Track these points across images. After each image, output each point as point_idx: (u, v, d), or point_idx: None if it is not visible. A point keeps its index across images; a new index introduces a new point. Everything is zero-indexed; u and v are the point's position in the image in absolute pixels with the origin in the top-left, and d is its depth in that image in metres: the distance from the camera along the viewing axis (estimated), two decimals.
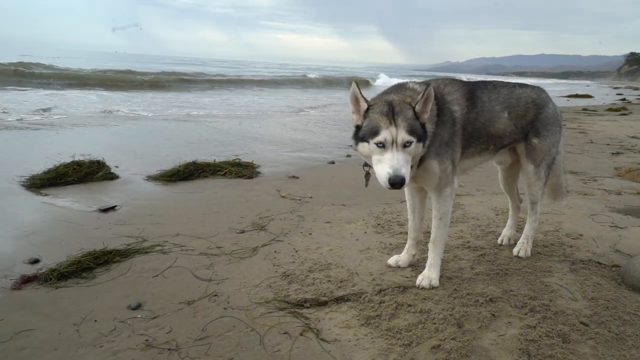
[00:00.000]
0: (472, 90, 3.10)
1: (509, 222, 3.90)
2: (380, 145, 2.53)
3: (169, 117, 11.87)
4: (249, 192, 5.39)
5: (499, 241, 3.86)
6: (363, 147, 2.64)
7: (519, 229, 3.96)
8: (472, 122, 3.03)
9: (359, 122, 2.67)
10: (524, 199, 3.76)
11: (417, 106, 2.62)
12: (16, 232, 3.86)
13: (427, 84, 3.01)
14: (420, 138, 2.61)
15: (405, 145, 2.52)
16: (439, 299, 2.86)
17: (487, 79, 3.45)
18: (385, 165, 2.49)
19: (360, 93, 2.68)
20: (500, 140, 3.22)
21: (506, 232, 3.88)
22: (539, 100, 3.33)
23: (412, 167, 2.71)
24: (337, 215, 4.66)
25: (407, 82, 3.02)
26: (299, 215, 4.61)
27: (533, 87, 3.44)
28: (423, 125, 2.64)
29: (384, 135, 2.52)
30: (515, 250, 3.60)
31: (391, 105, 2.60)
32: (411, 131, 2.54)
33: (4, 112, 10.54)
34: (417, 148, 2.60)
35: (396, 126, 2.52)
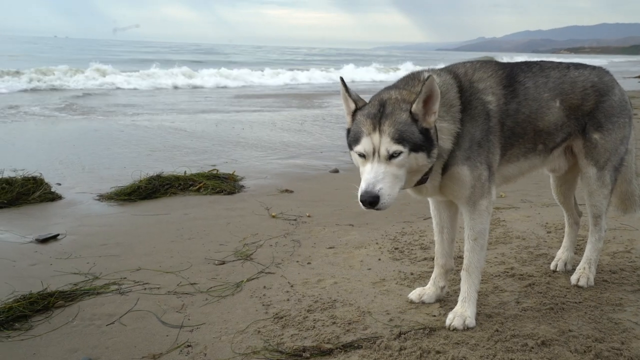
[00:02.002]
0: (511, 75, 3.12)
1: (565, 241, 3.89)
2: (362, 155, 2.59)
3: (122, 118, 11.95)
4: (229, 212, 5.40)
5: (552, 267, 3.85)
6: (352, 155, 2.71)
7: (579, 250, 3.95)
8: (512, 114, 3.05)
9: (349, 126, 2.75)
10: (584, 212, 3.76)
11: (414, 106, 2.63)
12: None
13: (449, 70, 3.04)
14: (418, 147, 2.60)
15: (392, 156, 2.55)
16: (475, 344, 2.84)
17: (531, 59, 3.47)
18: (362, 180, 2.56)
19: (347, 91, 2.74)
20: (552, 137, 3.23)
21: (562, 255, 3.87)
22: (600, 85, 3.34)
23: (426, 178, 2.76)
24: (343, 238, 4.67)
25: (422, 72, 3.02)
26: (294, 240, 4.62)
27: (593, 67, 3.45)
28: (425, 131, 2.63)
29: (364, 144, 2.57)
30: (574, 279, 3.59)
31: (383, 106, 2.64)
32: (399, 139, 2.55)
33: None
34: (412, 160, 2.60)
35: (380, 132, 2.56)
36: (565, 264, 3.82)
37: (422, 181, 2.80)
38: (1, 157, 7.42)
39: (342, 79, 2.79)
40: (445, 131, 2.79)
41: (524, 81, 3.13)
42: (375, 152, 2.56)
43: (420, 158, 2.62)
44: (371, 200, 2.48)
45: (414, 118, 2.62)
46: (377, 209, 2.53)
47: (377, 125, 2.58)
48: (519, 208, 5.49)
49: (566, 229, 3.90)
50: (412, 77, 2.97)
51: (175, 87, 22.84)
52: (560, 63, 3.40)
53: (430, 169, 2.78)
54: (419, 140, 2.60)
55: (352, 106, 2.75)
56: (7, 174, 5.80)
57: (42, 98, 16.02)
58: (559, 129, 3.23)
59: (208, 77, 25.79)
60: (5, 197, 5.43)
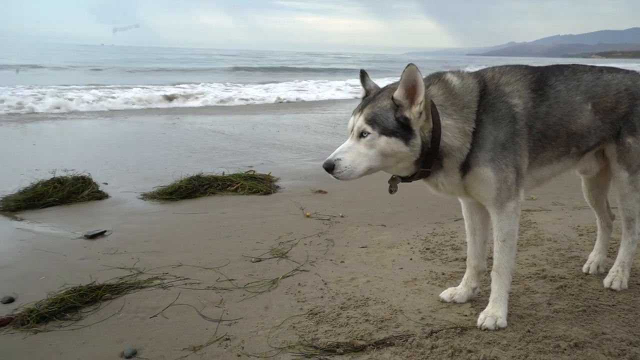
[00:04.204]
0: (542, 79, 3.07)
1: (598, 244, 3.81)
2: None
3: (166, 120, 12.18)
4: (265, 212, 5.45)
5: (584, 269, 3.78)
6: None
7: (612, 253, 3.86)
8: (542, 117, 3.00)
9: None
10: (617, 215, 3.67)
11: (395, 93, 2.72)
12: None
13: (476, 74, 3.02)
14: (390, 132, 2.69)
15: (362, 135, 2.72)
16: (507, 344, 2.81)
17: (562, 63, 3.40)
18: None
19: (362, 80, 2.97)
20: (584, 140, 3.17)
21: (594, 258, 3.79)
22: (635, 88, 3.26)
23: (426, 172, 2.84)
24: (375, 238, 4.66)
25: (445, 73, 3.03)
26: (327, 239, 4.63)
27: (627, 71, 3.37)
28: (404, 119, 2.69)
29: (349, 122, 2.82)
30: (607, 281, 3.51)
31: (377, 93, 2.85)
32: (371, 120, 2.70)
33: None
34: (384, 143, 2.70)
35: (360, 113, 2.77)
36: (598, 267, 3.74)
37: (423, 174, 2.86)
38: (54, 159, 7.63)
39: (361, 70, 2.99)
40: (451, 129, 2.79)
41: (555, 84, 3.08)
42: (352, 130, 2.77)
43: (394, 144, 2.70)
44: (326, 166, 2.72)
45: (395, 105, 2.71)
46: (337, 178, 2.73)
47: (362, 107, 2.79)
48: (550, 210, 5.38)
49: (598, 232, 3.81)
50: (431, 75, 3.02)
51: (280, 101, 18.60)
52: (593, 66, 3.33)
53: (428, 162, 2.80)
54: (392, 126, 2.70)
55: (363, 94, 2.96)
56: (58, 174, 5.97)
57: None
58: (592, 132, 3.16)
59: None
60: (57, 195, 5.59)
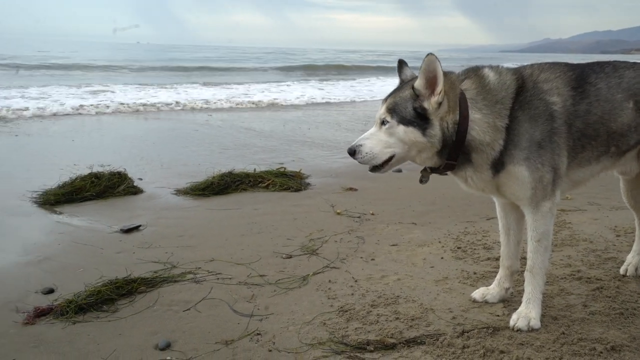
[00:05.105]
0: (582, 76, 2.99)
1: (636, 246, 3.70)
2: None
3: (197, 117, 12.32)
4: (296, 208, 5.46)
5: (621, 271, 3.68)
6: None
7: None
8: (582, 116, 2.92)
9: None
10: None
11: (415, 82, 2.75)
12: (28, 257, 4.13)
13: (515, 71, 2.97)
14: (407, 121, 2.74)
15: (383, 123, 2.80)
16: (541, 345, 2.75)
17: (602, 60, 3.30)
18: None
19: (399, 71, 3.05)
20: (625, 139, 3.07)
21: (632, 260, 3.68)
22: None
23: (452, 165, 2.84)
24: (406, 236, 4.62)
25: (483, 67, 2.99)
26: (358, 237, 4.61)
27: None
28: (422, 109, 2.72)
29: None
30: None
31: (404, 83, 2.93)
32: (391, 110, 2.78)
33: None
34: (402, 132, 2.75)
35: (385, 102, 2.86)
36: (636, 269, 3.63)
37: (448, 166, 2.85)
38: (91, 154, 7.80)
39: (400, 60, 3.08)
40: (479, 123, 2.76)
41: (595, 82, 2.99)
42: (377, 118, 2.85)
43: (411, 133, 2.74)
44: (349, 151, 2.84)
45: (415, 95, 2.74)
46: (360, 162, 2.83)
47: (387, 97, 2.87)
48: (586, 210, 5.24)
49: (637, 233, 3.70)
50: (469, 69, 3.01)
51: None
52: (635, 63, 3.22)
53: (452, 155, 2.79)
54: (410, 115, 2.74)
55: (399, 83, 3.02)
56: (95, 169, 6.10)
57: None
58: (633, 130, 3.06)
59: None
60: (94, 189, 5.72)
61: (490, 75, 2.90)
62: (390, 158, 2.81)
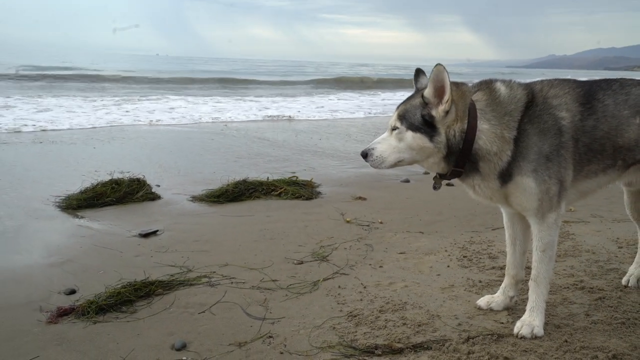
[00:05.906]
0: (590, 92, 3.01)
1: (638, 257, 3.69)
2: None
3: (214, 127, 12.42)
4: (307, 216, 5.50)
5: (623, 282, 3.67)
6: None
7: None
8: (589, 131, 2.94)
9: None
10: None
11: (425, 91, 2.82)
12: (51, 259, 4.21)
13: (527, 86, 2.99)
14: (415, 128, 2.81)
15: (394, 129, 2.88)
16: (544, 352, 2.76)
17: (609, 77, 3.32)
18: None
19: (416, 79, 3.10)
20: (631, 153, 3.07)
21: (634, 271, 3.67)
22: None
23: (459, 172, 2.90)
24: (413, 244, 4.64)
25: (495, 81, 3.03)
26: (367, 244, 4.64)
27: None
28: (429, 117, 2.79)
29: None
30: None
31: (416, 91, 2.99)
32: (401, 117, 2.87)
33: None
34: (410, 137, 2.82)
35: (397, 109, 2.94)
36: (638, 280, 3.62)
37: (455, 173, 2.91)
38: (112, 161, 7.90)
39: (417, 69, 3.14)
40: (487, 132, 2.81)
41: (602, 98, 3.01)
42: (389, 124, 2.94)
43: (419, 139, 2.81)
44: (362, 154, 2.95)
45: (424, 103, 2.81)
46: (370, 165, 2.93)
47: (400, 104, 2.96)
48: (589, 222, 5.23)
49: (639, 245, 3.69)
50: (482, 81, 3.07)
51: None
52: None
53: (459, 162, 2.85)
54: (418, 122, 2.82)
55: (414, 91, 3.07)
56: (116, 176, 6.19)
57: None
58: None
59: None
60: (114, 195, 5.80)
61: (502, 88, 2.94)
62: (398, 162, 2.91)
